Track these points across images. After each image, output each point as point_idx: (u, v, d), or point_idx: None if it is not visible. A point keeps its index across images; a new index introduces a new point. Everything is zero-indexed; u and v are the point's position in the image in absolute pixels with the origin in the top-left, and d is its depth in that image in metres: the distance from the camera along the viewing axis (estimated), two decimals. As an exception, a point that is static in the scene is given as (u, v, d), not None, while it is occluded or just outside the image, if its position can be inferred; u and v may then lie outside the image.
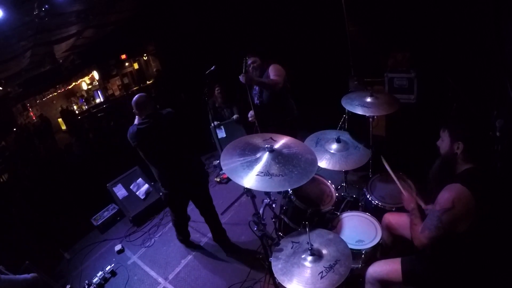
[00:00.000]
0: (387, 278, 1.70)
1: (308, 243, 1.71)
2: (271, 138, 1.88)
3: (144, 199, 3.97)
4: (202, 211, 2.91)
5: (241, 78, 2.70)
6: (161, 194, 2.93)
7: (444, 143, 1.58)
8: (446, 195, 1.43)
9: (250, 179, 1.59)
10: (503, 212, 1.57)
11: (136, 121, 2.55)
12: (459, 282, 1.54)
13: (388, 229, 2.04)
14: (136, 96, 2.51)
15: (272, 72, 2.94)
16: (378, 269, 1.75)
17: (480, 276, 1.52)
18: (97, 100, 9.44)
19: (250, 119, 3.22)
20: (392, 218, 2.03)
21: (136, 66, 9.51)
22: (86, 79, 9.37)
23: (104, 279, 3.06)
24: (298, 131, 3.12)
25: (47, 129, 7.73)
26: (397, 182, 1.96)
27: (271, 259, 1.79)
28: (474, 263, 1.50)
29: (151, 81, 9.02)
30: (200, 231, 3.44)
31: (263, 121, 3.07)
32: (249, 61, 2.97)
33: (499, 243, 1.58)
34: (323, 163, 2.35)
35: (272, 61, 3.02)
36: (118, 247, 3.45)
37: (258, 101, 3.13)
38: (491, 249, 1.51)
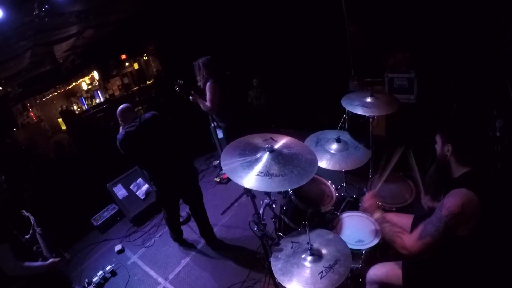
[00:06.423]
0: (387, 281, 1.70)
1: (308, 243, 1.71)
2: (271, 138, 1.88)
3: (144, 199, 3.98)
4: (192, 207, 3.00)
5: (191, 98, 3.38)
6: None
7: (437, 146, 1.58)
8: (454, 200, 1.38)
9: (250, 179, 1.59)
10: (504, 213, 1.57)
11: (121, 130, 2.61)
12: (460, 286, 1.53)
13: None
14: (120, 106, 2.66)
15: (208, 93, 3.23)
16: (378, 271, 1.75)
17: (483, 279, 1.51)
18: (97, 100, 9.42)
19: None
20: (392, 218, 2.02)
21: (136, 66, 9.48)
22: (86, 79, 9.34)
23: (104, 279, 3.06)
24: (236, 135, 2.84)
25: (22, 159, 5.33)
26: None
27: (271, 259, 1.79)
28: (476, 266, 1.49)
29: (151, 81, 8.99)
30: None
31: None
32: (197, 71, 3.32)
33: (501, 245, 1.57)
34: (323, 163, 2.34)
35: (210, 79, 3.20)
36: (118, 247, 3.45)
37: None
38: (493, 251, 1.50)
